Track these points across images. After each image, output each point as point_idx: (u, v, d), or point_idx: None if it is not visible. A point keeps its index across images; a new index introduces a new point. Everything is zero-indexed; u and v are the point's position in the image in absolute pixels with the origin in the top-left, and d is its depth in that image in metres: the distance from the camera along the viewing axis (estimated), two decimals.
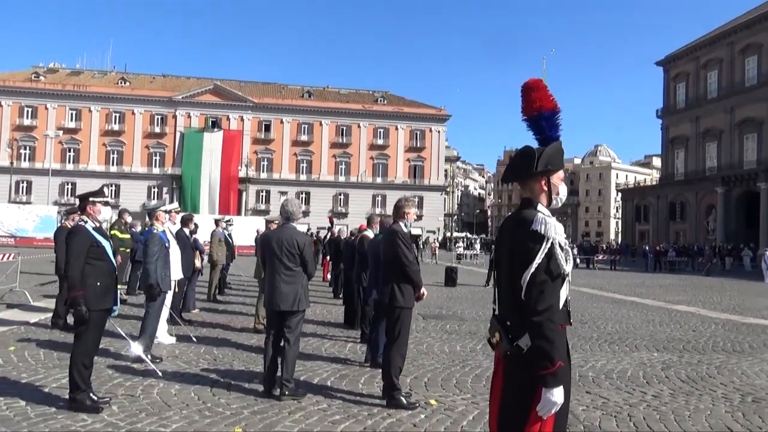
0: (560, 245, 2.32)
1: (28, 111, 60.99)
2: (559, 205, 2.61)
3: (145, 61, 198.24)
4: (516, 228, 2.44)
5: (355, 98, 70.83)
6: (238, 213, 60.31)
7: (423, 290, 5.15)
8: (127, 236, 10.96)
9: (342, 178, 67.33)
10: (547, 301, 2.28)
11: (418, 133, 69.28)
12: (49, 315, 9.16)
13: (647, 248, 34.05)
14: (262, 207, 64.20)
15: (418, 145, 68.98)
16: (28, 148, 60.79)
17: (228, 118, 65.35)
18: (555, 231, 2.31)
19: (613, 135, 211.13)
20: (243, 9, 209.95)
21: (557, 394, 2.25)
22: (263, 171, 65.69)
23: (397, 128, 68.84)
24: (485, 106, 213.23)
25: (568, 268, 2.35)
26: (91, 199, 4.64)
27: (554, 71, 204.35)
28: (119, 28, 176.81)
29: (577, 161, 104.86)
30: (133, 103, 63.23)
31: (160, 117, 63.98)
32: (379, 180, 67.96)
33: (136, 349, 6.06)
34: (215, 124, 64.55)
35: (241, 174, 63.58)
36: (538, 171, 2.46)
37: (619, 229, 75.45)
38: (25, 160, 60.03)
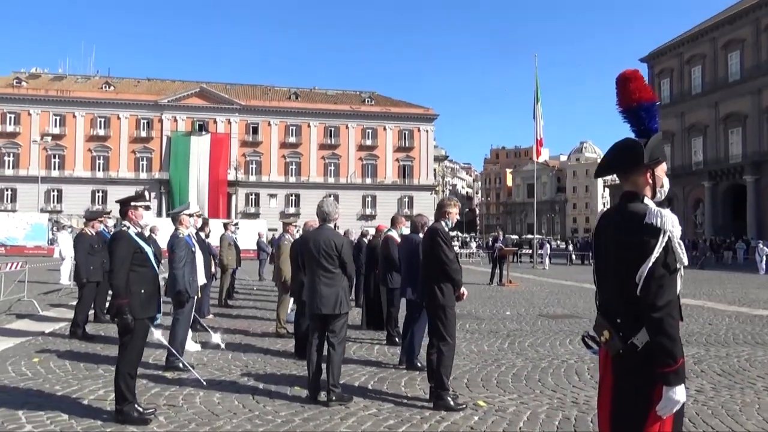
0: (677, 238, 2.27)
1: (10, 117, 59.95)
2: (663, 197, 2.56)
3: (129, 65, 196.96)
4: (625, 222, 2.37)
5: (343, 99, 70.68)
6: (228, 216, 59.76)
7: (463, 290, 5.08)
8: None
9: (331, 180, 67.13)
10: (666, 296, 2.22)
11: (407, 133, 69.31)
12: (62, 324, 8.99)
13: None
14: (252, 210, 63.83)
15: (407, 145, 69.02)
16: (11, 155, 59.77)
17: (215, 121, 64.82)
18: (672, 224, 2.25)
19: (599, 131, 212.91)
20: (227, 10, 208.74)
21: (680, 393, 2.19)
22: (252, 174, 65.27)
23: (385, 128, 68.82)
24: (471, 104, 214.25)
25: (685, 260, 2.30)
26: (132, 203, 4.50)
27: (539, 69, 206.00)
28: (102, 31, 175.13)
29: (563, 158, 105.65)
30: (118, 108, 62.47)
31: (146, 121, 63.29)
32: (368, 180, 67.88)
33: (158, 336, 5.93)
34: (202, 128, 63.99)
35: (230, 177, 63.09)
36: (646, 163, 2.40)
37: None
38: (9, 167, 59.02)
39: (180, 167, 61.92)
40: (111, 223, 6.96)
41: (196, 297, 7.02)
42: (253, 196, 65.22)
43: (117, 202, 4.79)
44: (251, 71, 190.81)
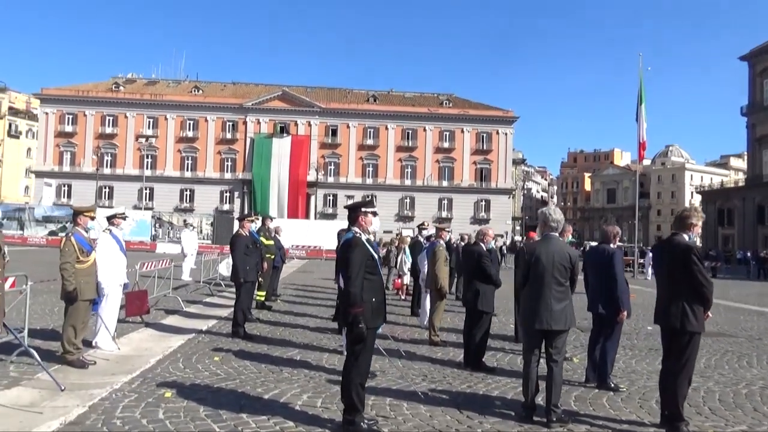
0: None
1: (109, 120, 63.82)
2: None
3: (215, 70, 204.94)
4: None
5: (420, 101, 70.53)
6: (307, 216, 61.10)
7: (709, 312, 4.65)
8: (271, 242, 10.93)
9: (408, 182, 67.05)
10: None
11: (485, 135, 68.19)
12: (212, 322, 9.24)
13: (748, 254, 32.04)
14: (330, 211, 64.74)
15: (485, 148, 67.89)
16: (109, 155, 63.61)
17: (296, 124, 66.30)
18: None
19: (685, 135, 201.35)
20: (307, 18, 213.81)
21: None
22: (330, 175, 66.25)
23: (462, 131, 68.01)
24: (548, 107, 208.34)
25: None
26: (363, 209, 4.41)
27: (623, 71, 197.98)
28: (191, 38, 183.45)
29: (647, 162, 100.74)
30: (205, 111, 65.12)
31: (231, 123, 65.61)
32: (445, 183, 67.31)
33: None
34: (284, 130, 65.61)
35: (310, 178, 64.34)
36: None
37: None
38: (107, 166, 62.78)
39: (262, 168, 63.77)
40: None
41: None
42: (331, 197, 66.16)
43: (346, 207, 4.72)
44: (331, 74, 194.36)
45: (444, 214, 65.64)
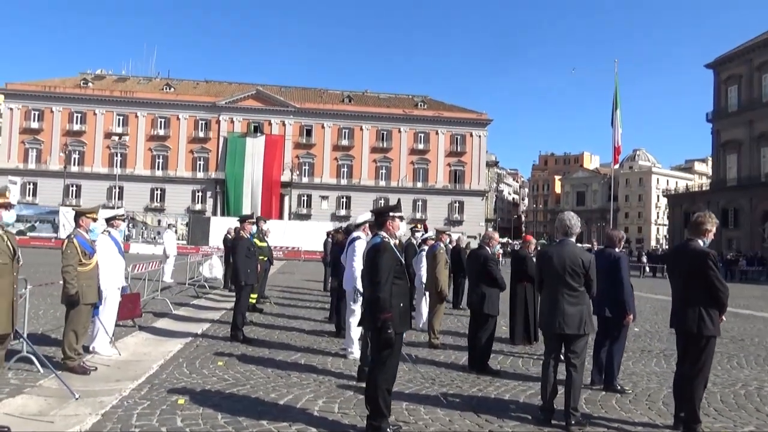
0: None
1: (77, 116, 62.16)
2: None
3: (188, 68, 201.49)
4: None
5: (395, 102, 70.70)
6: (280, 217, 60.52)
7: (723, 316, 4.77)
8: (264, 244, 10.81)
9: (383, 183, 67.12)
10: None
11: (459, 137, 68.76)
12: (206, 325, 9.08)
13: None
14: (304, 211, 64.39)
15: (459, 150, 68.46)
16: (77, 152, 61.97)
17: (270, 123, 65.73)
18: None
19: (651, 139, 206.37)
20: (282, 16, 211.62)
21: None
22: (305, 175, 65.87)
23: (437, 133, 68.44)
24: (520, 109, 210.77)
25: None
26: (391, 214, 4.38)
27: (591, 75, 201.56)
28: (162, 34, 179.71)
29: (616, 166, 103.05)
30: (177, 109, 63.99)
31: (204, 122, 64.63)
32: (419, 185, 67.62)
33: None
34: (258, 129, 64.96)
35: (284, 178, 63.85)
36: None
37: (665, 236, 73.85)
38: (75, 164, 61.12)
39: (236, 167, 63.01)
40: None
41: None
42: (305, 198, 65.80)
43: (372, 212, 4.69)
44: (305, 74, 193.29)
45: (418, 215, 65.81)
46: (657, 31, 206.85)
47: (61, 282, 5.92)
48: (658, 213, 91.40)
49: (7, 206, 4.08)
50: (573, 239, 4.97)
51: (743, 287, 25.86)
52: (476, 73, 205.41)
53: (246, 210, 61.61)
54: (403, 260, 4.38)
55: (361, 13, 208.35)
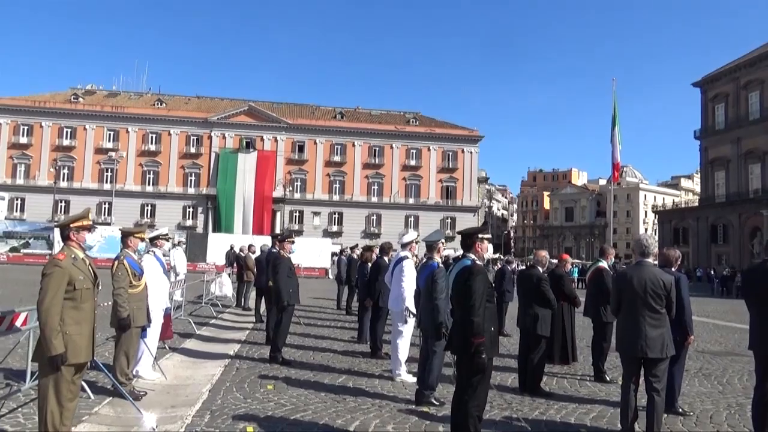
0: None
1: (67, 132, 61.53)
2: None
3: (179, 83, 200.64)
4: None
5: (387, 119, 70.99)
6: (272, 233, 60.08)
7: None
8: None
9: (375, 199, 67.13)
10: None
11: (450, 153, 69.14)
12: (237, 346, 8.88)
13: (712, 272, 33.37)
14: (296, 227, 64.01)
15: (451, 166, 68.79)
16: (67, 168, 61.22)
17: (262, 139, 65.58)
18: None
19: (637, 155, 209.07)
20: (274, 32, 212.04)
21: None
22: (297, 191, 65.67)
23: (429, 149, 68.76)
24: (509, 126, 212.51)
25: None
26: (479, 235, 4.30)
27: (579, 93, 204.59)
28: (154, 50, 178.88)
29: (603, 182, 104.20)
30: (169, 124, 63.66)
31: (195, 138, 64.32)
32: (411, 201, 67.71)
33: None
34: (249, 145, 64.76)
35: (276, 194, 63.58)
36: None
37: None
38: (64, 180, 60.33)
39: (227, 183, 62.67)
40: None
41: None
42: (298, 213, 65.52)
43: (459, 233, 4.60)
44: (297, 90, 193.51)
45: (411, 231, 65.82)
46: (643, 49, 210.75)
47: (106, 303, 5.74)
48: (646, 228, 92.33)
49: (90, 228, 3.93)
50: (650, 260, 4.92)
51: (740, 302, 26.03)
52: (465, 89, 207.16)
53: (237, 227, 61.21)
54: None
55: (353, 30, 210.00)
